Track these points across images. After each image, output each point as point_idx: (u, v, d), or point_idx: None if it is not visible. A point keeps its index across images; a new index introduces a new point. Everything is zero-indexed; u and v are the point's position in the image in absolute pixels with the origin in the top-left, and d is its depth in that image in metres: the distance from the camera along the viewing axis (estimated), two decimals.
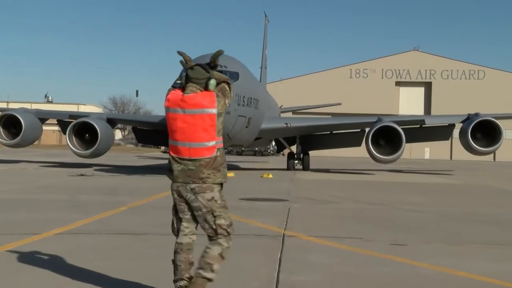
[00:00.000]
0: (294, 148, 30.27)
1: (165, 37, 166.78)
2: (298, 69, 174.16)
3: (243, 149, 46.31)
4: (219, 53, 4.56)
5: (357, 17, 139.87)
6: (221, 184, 4.43)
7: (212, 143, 4.33)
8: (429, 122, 29.31)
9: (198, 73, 4.38)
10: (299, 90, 66.43)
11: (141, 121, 32.25)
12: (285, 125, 27.07)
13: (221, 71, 21.03)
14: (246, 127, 22.92)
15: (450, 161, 58.08)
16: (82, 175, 19.87)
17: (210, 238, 4.41)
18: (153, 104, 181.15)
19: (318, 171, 27.33)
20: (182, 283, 4.42)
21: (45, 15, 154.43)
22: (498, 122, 26.16)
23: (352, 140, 30.16)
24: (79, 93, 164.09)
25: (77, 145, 25.02)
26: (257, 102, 23.75)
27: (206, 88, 4.36)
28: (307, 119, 35.57)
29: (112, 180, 18.31)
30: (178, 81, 4.52)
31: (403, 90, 71.57)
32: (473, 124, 25.94)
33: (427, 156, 66.80)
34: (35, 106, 40.45)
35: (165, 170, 4.58)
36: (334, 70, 72.12)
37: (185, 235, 4.46)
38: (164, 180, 20.40)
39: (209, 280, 4.33)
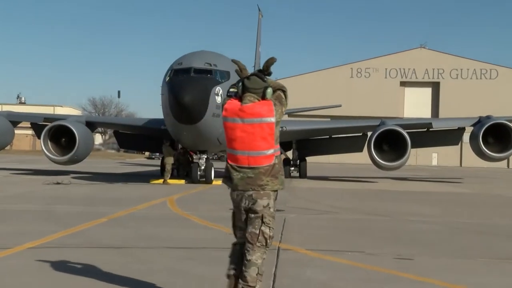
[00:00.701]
0: (290, 154, 30.33)
1: (149, 34, 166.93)
2: (295, 68, 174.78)
3: None
4: (273, 60, 5.00)
5: (358, 12, 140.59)
6: (277, 192, 4.89)
7: (270, 151, 4.83)
8: (437, 126, 29.42)
9: (255, 83, 4.84)
10: (296, 91, 66.23)
11: (123, 124, 32.24)
12: (280, 129, 27.08)
13: (210, 70, 21.26)
14: None
15: (460, 168, 58.36)
16: (58, 183, 19.82)
17: (247, 245, 4.76)
18: (136, 106, 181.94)
19: (316, 179, 27.40)
20: (232, 272, 4.79)
21: (19, 11, 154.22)
22: None
23: (353, 145, 30.24)
24: (55, 94, 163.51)
25: (52, 150, 24.96)
26: None
27: (263, 97, 4.80)
28: (304, 122, 35.60)
29: (91, 189, 18.28)
30: (233, 90, 4.90)
31: (408, 90, 71.83)
32: (484, 128, 26.02)
33: (434, 162, 67.05)
34: (6, 108, 40.51)
35: (224, 178, 4.97)
36: (334, 69, 72.32)
37: (242, 240, 4.91)
38: (148, 189, 20.08)
39: None
